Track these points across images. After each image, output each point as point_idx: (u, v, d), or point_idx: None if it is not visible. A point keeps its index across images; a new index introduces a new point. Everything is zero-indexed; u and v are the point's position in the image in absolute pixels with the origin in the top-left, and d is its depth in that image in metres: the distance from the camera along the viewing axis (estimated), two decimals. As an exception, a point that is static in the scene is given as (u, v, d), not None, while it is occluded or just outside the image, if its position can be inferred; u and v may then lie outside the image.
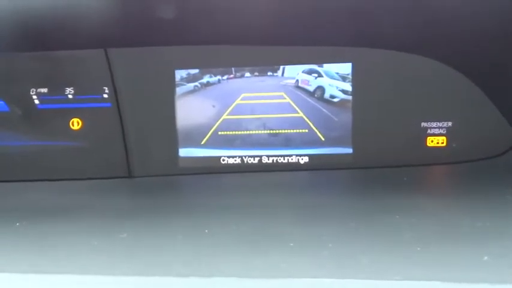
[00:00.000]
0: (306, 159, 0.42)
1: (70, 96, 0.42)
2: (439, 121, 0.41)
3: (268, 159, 0.42)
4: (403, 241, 0.23)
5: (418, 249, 0.22)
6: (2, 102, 0.43)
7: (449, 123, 0.43)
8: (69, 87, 0.42)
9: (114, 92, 0.42)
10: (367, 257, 0.21)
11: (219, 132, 0.43)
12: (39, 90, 0.42)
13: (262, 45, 0.41)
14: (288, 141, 0.42)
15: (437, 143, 0.42)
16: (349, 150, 0.41)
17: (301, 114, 0.42)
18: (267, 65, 0.41)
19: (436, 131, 0.42)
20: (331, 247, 0.23)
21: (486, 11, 0.32)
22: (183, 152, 0.43)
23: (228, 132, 0.43)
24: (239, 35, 0.40)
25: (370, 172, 0.40)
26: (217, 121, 0.43)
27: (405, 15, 0.34)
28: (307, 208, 0.32)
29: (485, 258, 0.21)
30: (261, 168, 0.42)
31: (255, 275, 0.20)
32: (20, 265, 0.21)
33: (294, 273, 0.20)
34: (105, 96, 0.42)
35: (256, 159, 0.42)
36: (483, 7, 0.32)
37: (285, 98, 0.43)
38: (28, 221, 0.29)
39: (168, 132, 0.42)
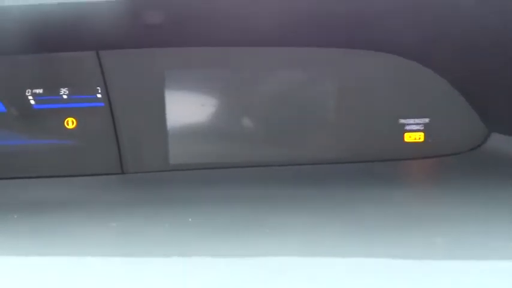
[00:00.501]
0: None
1: (65, 97, 0.45)
2: (417, 118, 0.45)
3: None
4: (365, 226, 0.27)
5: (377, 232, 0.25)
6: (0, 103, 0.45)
7: (427, 120, 0.46)
8: (63, 87, 0.45)
9: (106, 92, 0.45)
10: (331, 239, 0.24)
11: (208, 129, 0.46)
12: (34, 90, 0.45)
13: (252, 46, 0.44)
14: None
15: (415, 138, 0.46)
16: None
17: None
18: (257, 66, 0.44)
19: (414, 127, 0.46)
20: (302, 231, 0.26)
21: (461, 15, 0.35)
22: (174, 149, 0.46)
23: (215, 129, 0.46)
24: (229, 37, 0.43)
25: (351, 166, 0.43)
26: (206, 119, 0.46)
27: (385, 18, 0.37)
28: (289, 199, 0.35)
29: (438, 239, 0.23)
30: (248, 164, 0.45)
31: (229, 254, 0.23)
32: (20, 248, 0.24)
33: (266, 253, 0.23)
34: (99, 96, 0.44)
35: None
36: (456, 11, 0.34)
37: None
38: (25, 213, 0.32)
39: (159, 131, 0.45)
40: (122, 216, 0.30)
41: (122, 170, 0.46)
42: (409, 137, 0.45)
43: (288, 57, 0.42)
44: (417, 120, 0.44)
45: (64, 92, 0.46)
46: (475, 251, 0.22)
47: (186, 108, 0.45)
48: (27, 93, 0.44)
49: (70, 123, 0.47)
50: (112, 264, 0.21)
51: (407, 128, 0.44)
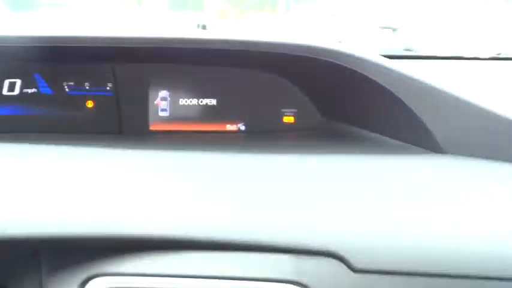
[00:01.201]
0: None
1: (87, 87, 0.76)
2: (288, 107, 0.77)
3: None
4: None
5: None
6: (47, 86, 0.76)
7: (295, 110, 0.77)
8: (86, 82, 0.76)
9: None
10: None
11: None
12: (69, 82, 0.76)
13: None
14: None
15: (289, 121, 0.77)
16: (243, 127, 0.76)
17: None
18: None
19: (288, 113, 0.77)
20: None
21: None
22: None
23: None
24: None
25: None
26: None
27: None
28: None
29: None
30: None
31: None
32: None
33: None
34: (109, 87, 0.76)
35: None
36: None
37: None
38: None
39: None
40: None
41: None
42: (286, 119, 0.76)
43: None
44: (290, 110, 0.76)
45: (87, 85, 0.77)
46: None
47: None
48: (63, 84, 0.76)
49: (90, 103, 0.78)
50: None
51: (285, 114, 0.76)
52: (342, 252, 0.29)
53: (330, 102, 0.69)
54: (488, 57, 1.03)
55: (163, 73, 0.73)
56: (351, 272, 0.28)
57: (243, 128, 0.74)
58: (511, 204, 0.37)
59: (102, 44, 0.62)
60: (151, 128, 0.74)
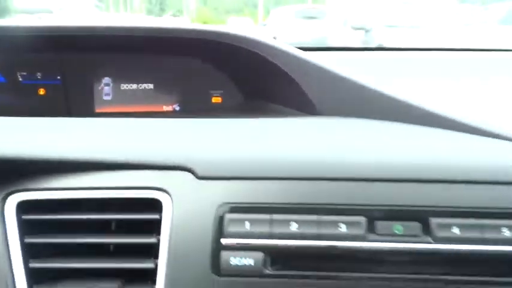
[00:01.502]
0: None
1: (39, 77, 0.87)
2: (216, 90, 0.88)
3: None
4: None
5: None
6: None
7: (222, 91, 0.88)
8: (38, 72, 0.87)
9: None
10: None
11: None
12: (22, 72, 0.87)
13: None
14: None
15: (217, 100, 0.89)
16: (177, 108, 0.88)
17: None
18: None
19: (216, 94, 0.89)
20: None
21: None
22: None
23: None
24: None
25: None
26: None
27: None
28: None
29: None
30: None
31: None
32: None
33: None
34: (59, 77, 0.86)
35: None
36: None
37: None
38: None
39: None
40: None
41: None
42: (214, 100, 0.88)
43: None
44: (218, 91, 0.87)
45: (39, 75, 0.88)
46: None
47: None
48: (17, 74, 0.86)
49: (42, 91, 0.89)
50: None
51: (214, 95, 0.87)
52: (186, 163, 0.41)
53: (248, 84, 0.81)
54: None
55: (106, 62, 0.84)
56: (197, 179, 0.40)
57: (177, 108, 0.85)
58: (356, 140, 0.50)
59: (48, 32, 0.73)
60: (97, 110, 0.85)
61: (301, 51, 0.69)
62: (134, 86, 0.85)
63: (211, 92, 0.84)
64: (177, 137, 0.49)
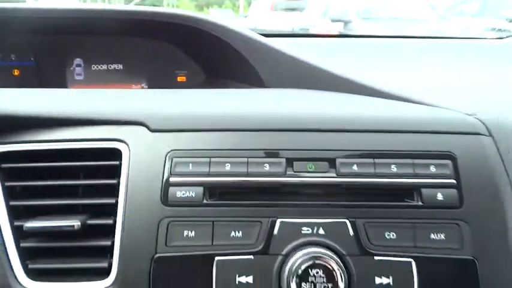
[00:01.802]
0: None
1: (13, 59, 0.94)
2: (181, 70, 0.97)
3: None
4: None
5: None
6: None
7: (186, 71, 0.98)
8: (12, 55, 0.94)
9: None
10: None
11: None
12: (-2, 54, 0.94)
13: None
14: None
15: (182, 79, 0.98)
16: (145, 86, 0.96)
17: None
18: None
19: (181, 74, 0.98)
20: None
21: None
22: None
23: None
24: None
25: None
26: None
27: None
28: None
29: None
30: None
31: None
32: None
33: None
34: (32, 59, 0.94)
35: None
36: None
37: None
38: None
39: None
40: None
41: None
42: (179, 79, 0.97)
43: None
44: (182, 71, 0.96)
45: (13, 56, 0.95)
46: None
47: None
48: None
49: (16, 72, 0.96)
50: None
51: (179, 74, 0.97)
52: (140, 118, 0.50)
53: (209, 64, 0.90)
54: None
55: (77, 44, 0.91)
56: (150, 132, 0.49)
57: (145, 87, 0.93)
58: (286, 101, 0.60)
59: (20, 15, 0.81)
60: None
61: (255, 33, 0.79)
62: (104, 67, 0.93)
63: (177, 72, 0.93)
64: (134, 99, 0.58)
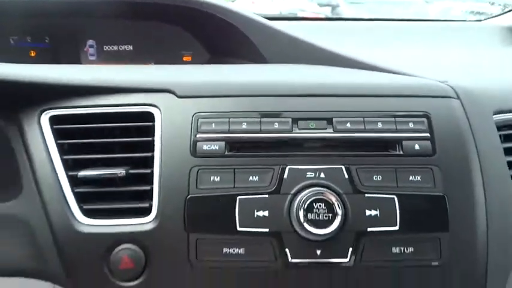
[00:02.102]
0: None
1: (29, 40, 1.02)
2: (186, 50, 1.07)
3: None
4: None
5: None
6: None
7: (191, 51, 1.07)
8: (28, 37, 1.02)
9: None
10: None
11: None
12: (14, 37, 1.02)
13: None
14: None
15: (187, 59, 1.08)
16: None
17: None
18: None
19: (187, 54, 1.07)
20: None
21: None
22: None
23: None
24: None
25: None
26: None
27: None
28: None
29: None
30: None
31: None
32: None
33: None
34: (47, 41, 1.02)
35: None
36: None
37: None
38: None
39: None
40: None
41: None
42: (185, 58, 1.06)
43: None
44: (188, 51, 1.06)
45: (28, 38, 1.03)
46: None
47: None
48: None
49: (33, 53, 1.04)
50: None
51: (184, 54, 1.06)
52: (169, 87, 0.60)
53: (213, 44, 1.00)
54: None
55: (90, 26, 1.00)
56: (177, 98, 0.59)
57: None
58: (289, 73, 0.71)
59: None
60: (83, 69, 1.02)
61: (256, 15, 0.89)
62: (115, 48, 1.02)
63: (183, 52, 1.03)
64: (159, 72, 0.69)
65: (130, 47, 1.02)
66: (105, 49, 1.02)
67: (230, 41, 0.93)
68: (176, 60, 1.02)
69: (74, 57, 1.01)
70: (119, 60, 1.02)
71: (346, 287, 0.55)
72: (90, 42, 1.01)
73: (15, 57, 1.00)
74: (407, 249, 0.54)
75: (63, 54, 1.01)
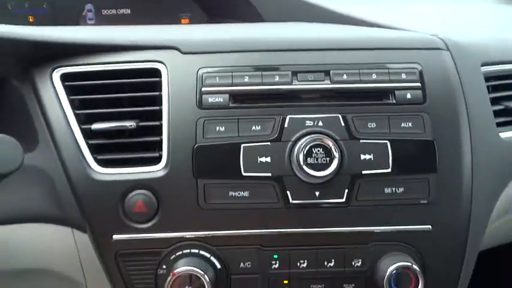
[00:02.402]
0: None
1: (27, 6, 1.04)
2: (184, 12, 1.09)
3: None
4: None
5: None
6: None
7: (190, 14, 1.10)
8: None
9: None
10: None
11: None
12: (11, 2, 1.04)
13: None
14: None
15: (185, 22, 1.11)
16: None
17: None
18: None
19: (185, 17, 1.10)
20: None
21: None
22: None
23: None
24: None
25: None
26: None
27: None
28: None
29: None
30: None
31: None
32: None
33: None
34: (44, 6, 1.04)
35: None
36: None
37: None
38: None
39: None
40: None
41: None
42: (183, 21, 1.09)
43: None
44: (186, 14, 1.09)
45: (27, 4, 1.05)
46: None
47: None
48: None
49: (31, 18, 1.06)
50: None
51: (182, 17, 1.09)
52: (174, 44, 0.64)
53: (210, 5, 1.03)
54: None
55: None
56: (182, 54, 0.63)
57: (152, 29, 1.06)
58: (286, 29, 0.75)
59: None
60: (83, 33, 1.04)
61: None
62: (113, 11, 1.04)
63: (181, 14, 1.06)
64: (162, 30, 0.72)
65: (128, 11, 1.05)
66: (103, 13, 1.04)
67: (228, 1, 0.96)
68: (174, 22, 1.05)
69: (73, 22, 1.03)
70: (117, 24, 1.04)
71: (342, 225, 0.61)
72: (89, 6, 1.03)
73: (14, 23, 1.03)
74: (398, 189, 0.60)
75: (61, 19, 1.03)
